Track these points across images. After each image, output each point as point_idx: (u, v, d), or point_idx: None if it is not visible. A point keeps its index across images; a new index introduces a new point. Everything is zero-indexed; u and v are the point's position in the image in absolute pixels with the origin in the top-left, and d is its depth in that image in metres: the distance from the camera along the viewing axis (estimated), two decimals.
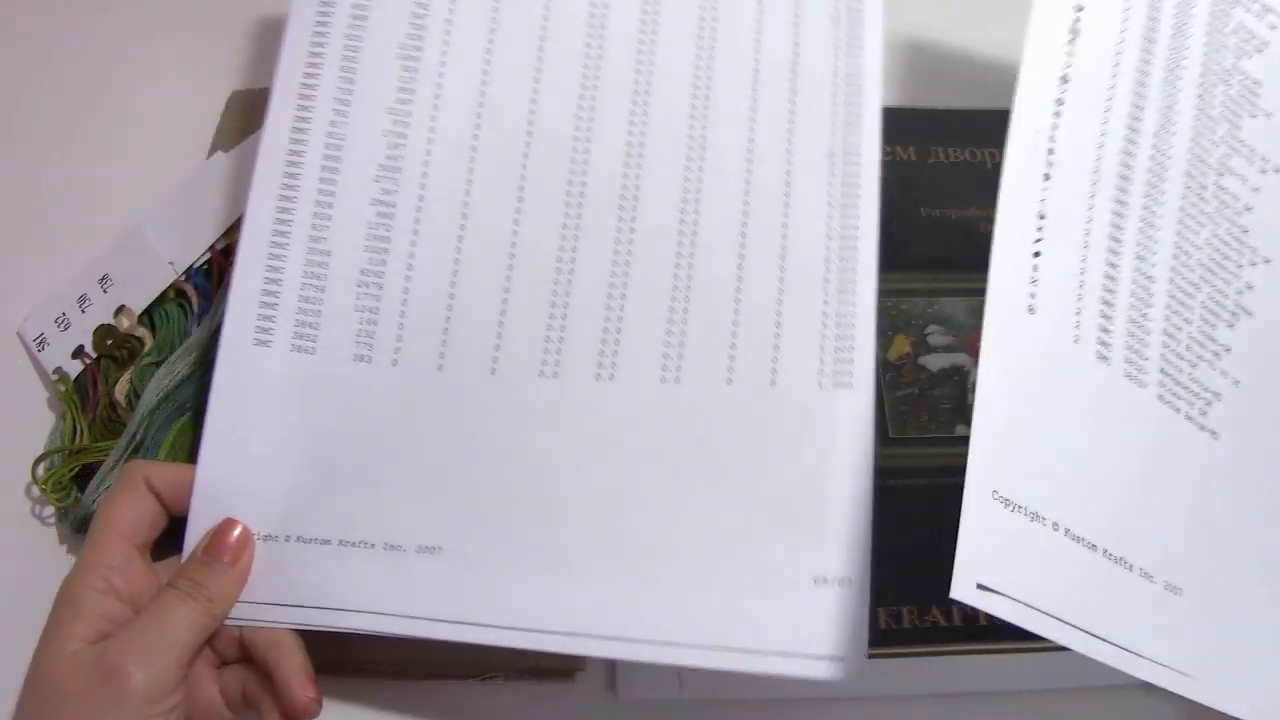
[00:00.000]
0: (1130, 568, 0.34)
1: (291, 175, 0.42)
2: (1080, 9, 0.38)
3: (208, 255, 0.52)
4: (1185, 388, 0.37)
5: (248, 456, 0.41)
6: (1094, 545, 0.33)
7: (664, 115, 0.43)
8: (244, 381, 0.41)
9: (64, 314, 0.52)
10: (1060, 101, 0.37)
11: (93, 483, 0.45)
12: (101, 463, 0.46)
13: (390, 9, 0.44)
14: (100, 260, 0.54)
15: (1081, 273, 0.36)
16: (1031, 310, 0.35)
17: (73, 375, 0.50)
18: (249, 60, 0.64)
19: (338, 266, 0.42)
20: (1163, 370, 0.37)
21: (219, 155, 0.56)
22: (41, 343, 0.52)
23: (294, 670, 0.38)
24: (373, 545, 0.40)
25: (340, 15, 0.44)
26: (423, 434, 0.41)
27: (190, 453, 0.45)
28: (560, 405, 0.40)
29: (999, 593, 0.30)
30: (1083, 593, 0.32)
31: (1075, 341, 0.36)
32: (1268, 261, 0.40)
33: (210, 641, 0.40)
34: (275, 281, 0.41)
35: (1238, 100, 0.41)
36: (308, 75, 0.43)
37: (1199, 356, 0.38)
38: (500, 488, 0.40)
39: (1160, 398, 0.37)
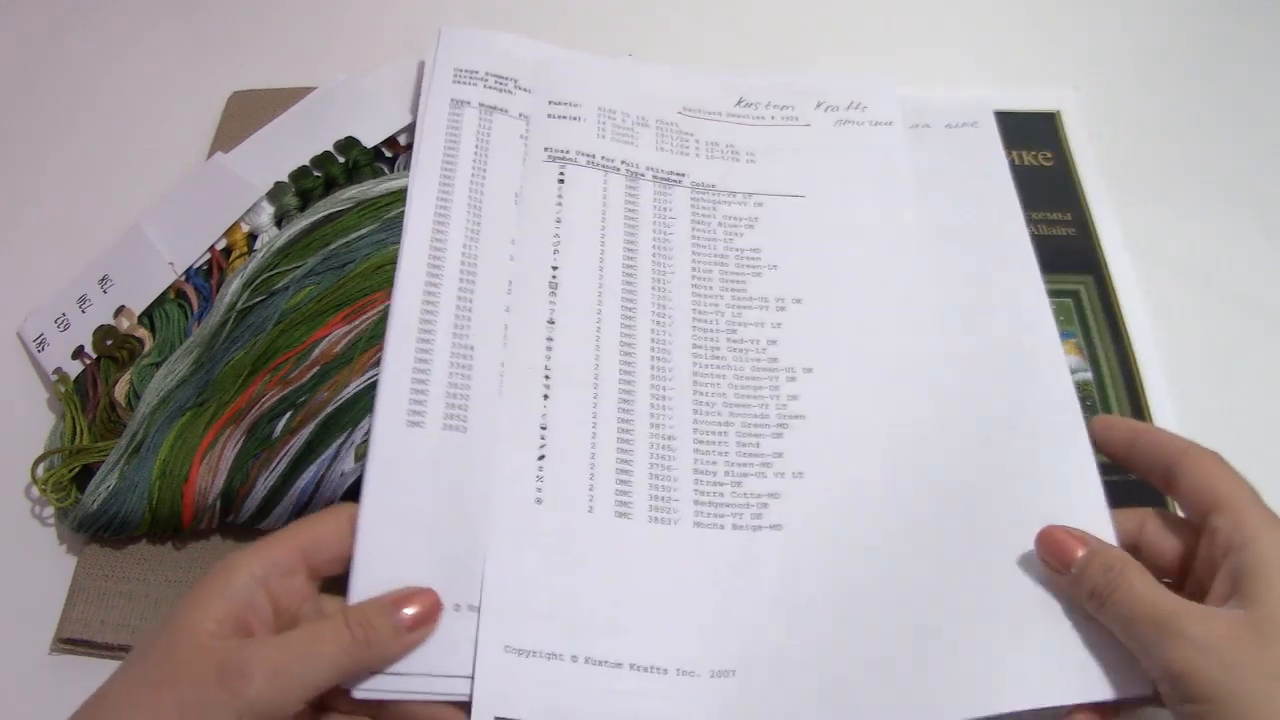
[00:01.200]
0: (664, 671, 0.41)
1: (433, 279, 0.48)
2: (555, 268, 0.50)
3: (208, 255, 0.52)
4: (730, 504, 0.45)
5: (405, 527, 0.42)
6: (619, 664, 0.41)
7: None
8: (400, 458, 0.43)
9: (64, 314, 0.52)
10: (550, 340, 0.48)
11: (92, 482, 0.45)
12: (101, 463, 0.45)
13: (503, 164, 0.52)
14: (100, 260, 0.54)
15: (591, 458, 0.45)
16: (539, 501, 0.44)
17: (73, 375, 0.50)
18: (249, 60, 0.64)
19: (481, 358, 0.47)
20: (697, 501, 0.45)
21: (219, 155, 0.56)
22: (41, 343, 0.52)
23: None
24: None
25: (463, 167, 0.51)
26: None
27: (191, 453, 0.45)
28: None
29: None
30: (604, 703, 0.40)
31: (589, 512, 0.44)
32: (809, 370, 0.49)
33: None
34: (424, 369, 0.45)
35: (737, 270, 0.52)
36: (439, 217, 0.50)
37: (744, 473, 0.46)
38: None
39: (696, 524, 0.45)
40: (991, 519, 0.44)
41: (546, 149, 0.53)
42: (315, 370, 0.46)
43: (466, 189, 0.51)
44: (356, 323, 0.48)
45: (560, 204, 0.52)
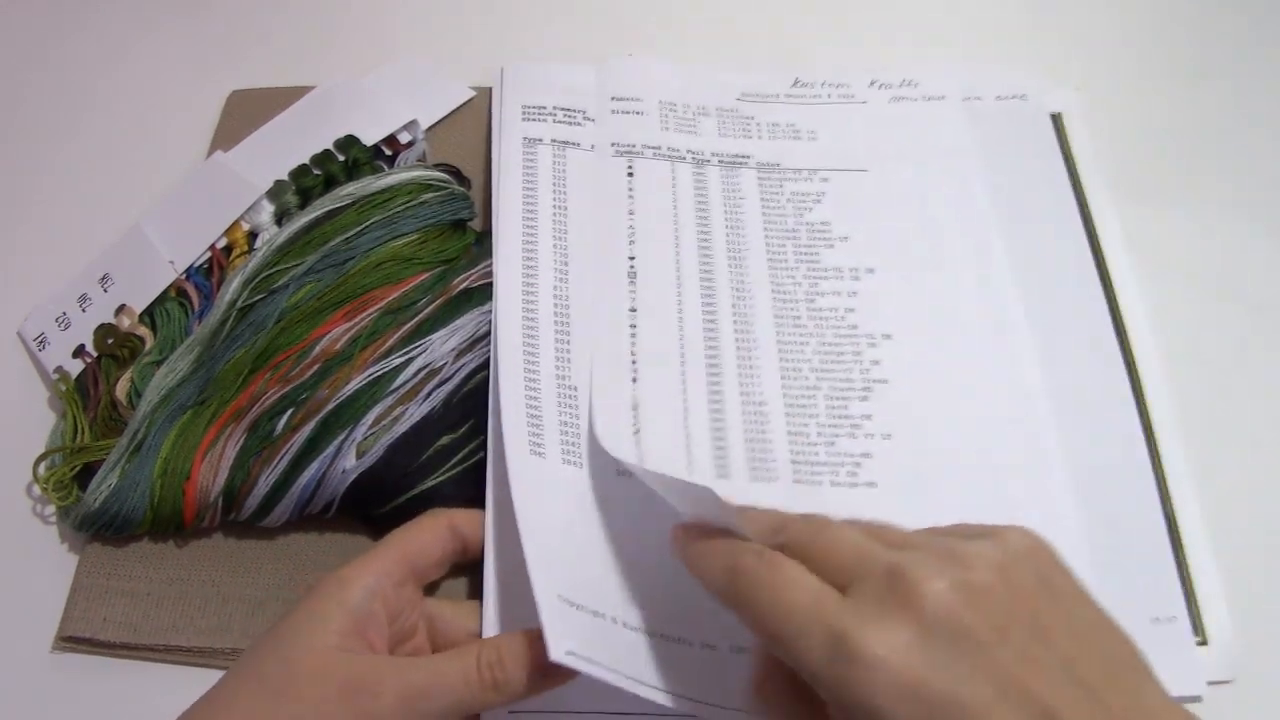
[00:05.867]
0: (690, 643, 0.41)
1: (529, 323, 0.48)
2: (633, 258, 0.51)
3: (208, 254, 0.52)
4: (826, 463, 0.47)
5: (540, 549, 0.41)
6: (654, 632, 0.40)
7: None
8: (531, 484, 0.43)
9: (65, 313, 0.52)
10: (634, 326, 0.49)
11: (93, 481, 0.45)
12: (102, 461, 0.45)
13: (582, 199, 0.53)
14: (100, 260, 0.54)
15: (685, 428, 0.47)
16: (620, 474, 0.45)
17: (74, 374, 0.50)
18: (249, 60, 0.64)
19: (584, 398, 0.47)
20: (794, 461, 0.47)
21: (219, 154, 0.56)
22: (42, 342, 0.52)
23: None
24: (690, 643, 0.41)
25: (544, 207, 0.52)
26: None
27: (192, 451, 0.45)
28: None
29: (583, 657, 0.37)
30: (642, 659, 0.40)
31: (689, 473, 0.46)
32: (888, 336, 0.50)
33: None
34: (535, 407, 0.46)
35: (810, 243, 0.53)
36: (527, 260, 0.50)
37: (835, 434, 0.47)
38: None
39: (796, 481, 0.46)
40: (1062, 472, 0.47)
41: (614, 144, 0.55)
42: (316, 368, 0.46)
43: (550, 228, 0.51)
44: (356, 320, 0.48)
45: (631, 196, 0.53)
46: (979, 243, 0.53)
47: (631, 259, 0.51)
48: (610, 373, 0.48)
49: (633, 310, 0.50)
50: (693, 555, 0.37)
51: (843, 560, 0.32)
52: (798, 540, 0.34)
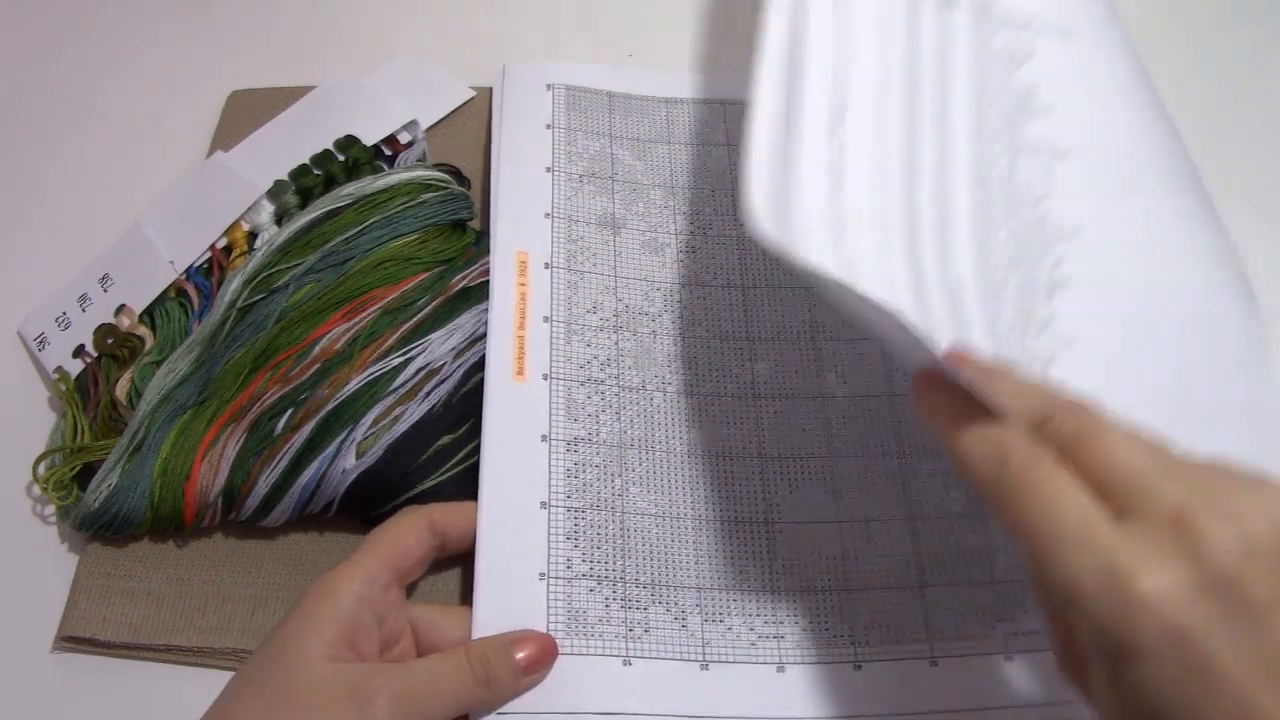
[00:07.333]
0: None
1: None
2: (844, 102, 0.42)
3: (208, 254, 0.52)
4: (1018, 360, 0.41)
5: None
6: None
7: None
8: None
9: (64, 313, 0.52)
10: (839, 186, 0.40)
11: (93, 481, 0.45)
12: (102, 461, 0.45)
13: None
14: (100, 259, 0.54)
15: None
16: None
17: (74, 374, 0.50)
18: (249, 60, 0.64)
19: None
20: (995, 351, 0.41)
21: (219, 154, 0.56)
22: (42, 342, 0.52)
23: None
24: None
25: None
26: None
27: (192, 451, 0.45)
28: None
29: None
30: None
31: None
32: (1077, 230, 0.45)
33: None
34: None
35: (1014, 111, 0.47)
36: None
37: (1025, 331, 0.42)
38: None
39: None
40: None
41: None
42: (316, 367, 0.46)
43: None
44: (356, 320, 0.48)
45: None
46: (1167, 130, 0.50)
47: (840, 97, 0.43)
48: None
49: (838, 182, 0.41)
50: (953, 429, 0.33)
51: (1120, 483, 0.30)
52: (1067, 436, 0.31)
